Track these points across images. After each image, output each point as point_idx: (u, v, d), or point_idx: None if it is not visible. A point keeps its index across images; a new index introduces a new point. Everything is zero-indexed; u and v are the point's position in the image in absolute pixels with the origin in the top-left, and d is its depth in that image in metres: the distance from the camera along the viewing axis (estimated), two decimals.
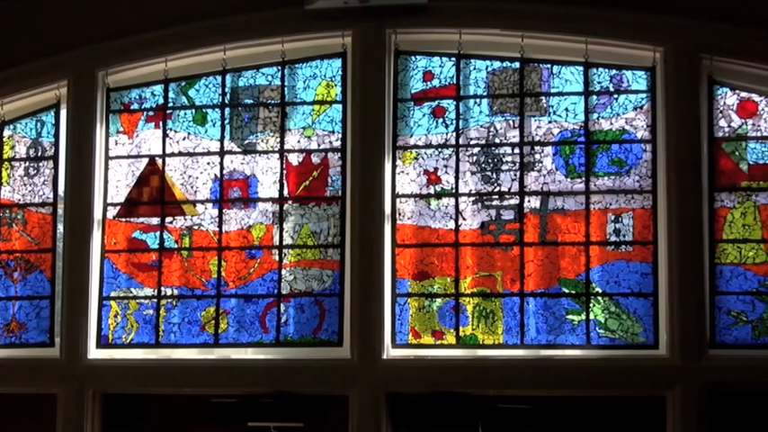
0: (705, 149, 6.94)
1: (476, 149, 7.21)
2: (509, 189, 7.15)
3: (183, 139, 7.55)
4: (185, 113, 7.56)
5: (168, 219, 7.50)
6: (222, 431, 7.32)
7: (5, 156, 7.76)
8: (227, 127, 7.50)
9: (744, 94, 6.99)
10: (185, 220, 7.49)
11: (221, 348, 7.38)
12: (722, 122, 6.98)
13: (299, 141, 7.42)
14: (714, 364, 6.79)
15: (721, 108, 6.99)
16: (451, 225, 7.18)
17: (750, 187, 6.93)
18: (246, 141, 7.48)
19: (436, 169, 7.23)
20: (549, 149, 7.14)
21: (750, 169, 6.95)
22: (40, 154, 7.71)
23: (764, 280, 6.87)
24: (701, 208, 6.89)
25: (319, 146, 7.38)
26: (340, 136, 7.34)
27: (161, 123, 7.57)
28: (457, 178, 7.19)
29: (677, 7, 6.99)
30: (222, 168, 7.47)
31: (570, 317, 7.04)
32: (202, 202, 7.48)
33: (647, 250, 6.99)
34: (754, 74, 6.95)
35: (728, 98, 7.00)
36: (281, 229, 7.35)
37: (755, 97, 6.98)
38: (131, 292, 7.50)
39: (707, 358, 6.80)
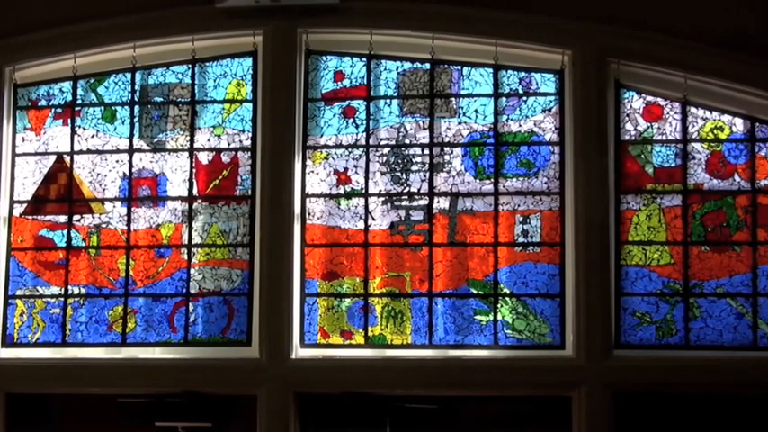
0: (612, 152, 7.01)
1: (386, 150, 7.23)
2: (418, 190, 7.17)
3: (92, 136, 7.48)
4: (94, 111, 7.49)
5: (76, 217, 7.43)
6: (129, 431, 7.27)
7: None
8: (137, 125, 7.44)
9: (650, 98, 7.08)
10: (93, 218, 7.42)
11: (129, 348, 7.31)
12: (629, 126, 7.07)
13: (208, 140, 7.38)
14: (619, 365, 6.87)
15: (628, 111, 7.08)
16: (361, 225, 7.20)
17: (655, 190, 7.02)
18: (156, 139, 7.43)
19: (346, 169, 7.24)
20: (458, 151, 7.18)
21: (655, 172, 7.04)
22: None
23: (668, 281, 6.96)
24: (607, 210, 6.96)
25: (229, 145, 7.35)
26: (250, 135, 7.32)
27: (69, 120, 7.49)
28: (367, 178, 7.21)
29: (585, 11, 7.06)
30: (131, 166, 7.41)
31: (478, 317, 7.09)
32: (111, 200, 7.41)
33: (555, 251, 7.05)
34: (660, 78, 7.04)
35: (635, 102, 7.09)
36: (190, 228, 7.31)
37: (661, 101, 7.07)
38: (38, 291, 7.42)
39: (612, 358, 6.87)
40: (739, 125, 7.02)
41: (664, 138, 7.05)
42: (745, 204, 6.96)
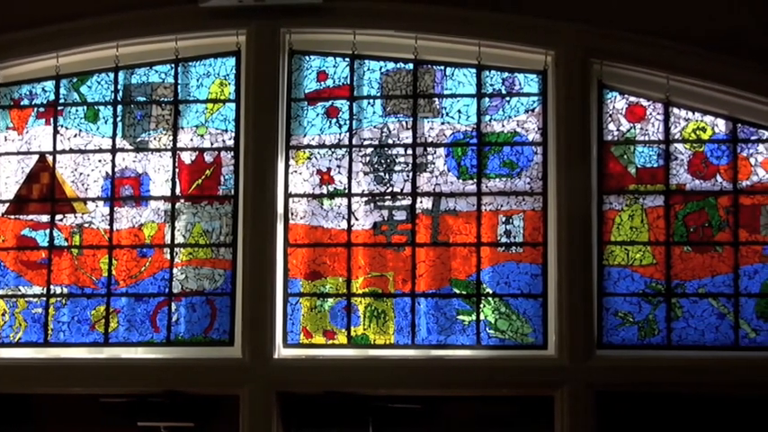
0: (594, 152, 7.03)
1: (369, 150, 7.23)
2: (401, 190, 7.18)
3: (75, 135, 7.46)
4: (77, 110, 7.48)
5: (58, 216, 7.41)
6: (112, 431, 7.26)
7: None
8: (120, 124, 7.43)
9: (632, 99, 7.10)
10: (76, 217, 7.41)
11: (111, 347, 7.30)
12: (611, 126, 7.09)
13: (191, 140, 7.38)
14: (601, 365, 6.88)
15: (611, 112, 7.10)
16: (344, 225, 7.20)
17: (638, 190, 7.04)
18: (139, 139, 7.42)
19: (329, 169, 7.24)
20: (441, 151, 7.19)
21: (638, 173, 7.06)
22: None
23: (651, 281, 6.98)
24: (590, 210, 6.97)
25: (212, 144, 7.35)
26: (233, 135, 7.31)
27: (52, 120, 7.48)
28: (350, 178, 7.21)
29: (569, 12, 7.07)
30: (114, 166, 7.40)
31: (461, 317, 7.10)
32: (93, 199, 7.40)
33: (537, 252, 7.06)
34: (643, 79, 7.06)
35: (618, 102, 7.11)
36: (173, 228, 7.31)
37: (644, 102, 7.09)
38: (20, 291, 7.39)
39: (594, 358, 6.88)
40: (721, 126, 7.04)
41: (646, 138, 7.07)
42: (727, 205, 6.99)
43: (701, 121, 7.06)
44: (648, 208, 7.03)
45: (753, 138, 7.01)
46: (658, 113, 7.07)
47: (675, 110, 7.07)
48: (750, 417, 6.89)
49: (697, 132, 7.05)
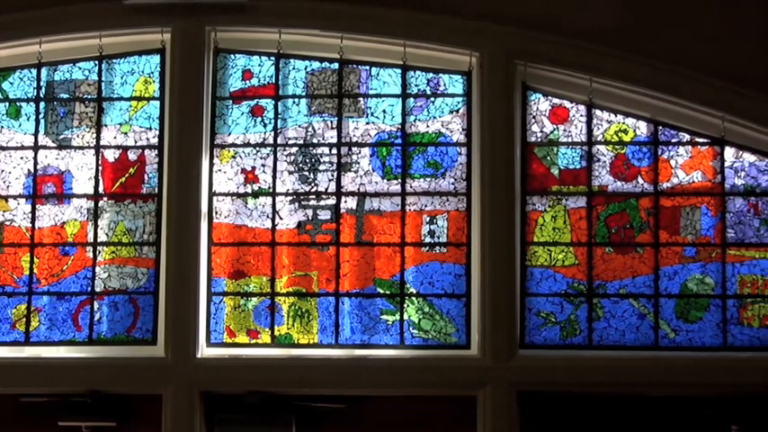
0: (518, 154, 7.07)
1: (294, 149, 7.23)
2: (326, 189, 7.18)
3: None
4: None
5: None
6: (32, 431, 7.19)
7: None
8: (42, 121, 7.36)
9: (556, 101, 7.16)
10: None
11: (32, 347, 7.23)
12: (535, 128, 7.14)
13: (115, 137, 7.32)
14: (523, 364, 6.93)
15: (534, 113, 7.15)
16: (268, 224, 7.19)
17: (561, 191, 7.10)
18: (61, 136, 7.35)
19: (254, 168, 7.23)
20: (366, 150, 7.20)
21: (561, 174, 7.12)
22: None
23: (573, 282, 7.04)
24: (513, 211, 7.02)
25: (136, 142, 7.30)
26: (157, 133, 7.27)
27: None
28: (274, 177, 7.20)
29: (493, 14, 7.10)
30: (36, 163, 7.32)
31: (385, 317, 7.11)
32: (15, 197, 7.32)
33: (461, 252, 7.10)
34: (566, 81, 7.12)
35: (541, 104, 7.16)
36: (96, 226, 7.25)
37: (567, 104, 7.15)
38: None
39: (516, 358, 6.93)
40: (643, 128, 7.12)
41: (569, 140, 7.13)
42: (648, 206, 7.06)
43: (623, 123, 7.13)
44: (571, 209, 7.09)
45: (673, 140, 7.10)
46: (581, 115, 7.14)
47: (598, 112, 7.14)
48: (669, 416, 6.96)
49: (619, 134, 7.12)
